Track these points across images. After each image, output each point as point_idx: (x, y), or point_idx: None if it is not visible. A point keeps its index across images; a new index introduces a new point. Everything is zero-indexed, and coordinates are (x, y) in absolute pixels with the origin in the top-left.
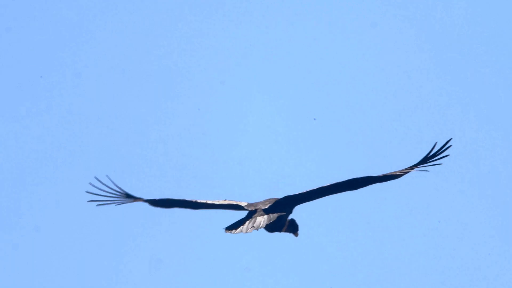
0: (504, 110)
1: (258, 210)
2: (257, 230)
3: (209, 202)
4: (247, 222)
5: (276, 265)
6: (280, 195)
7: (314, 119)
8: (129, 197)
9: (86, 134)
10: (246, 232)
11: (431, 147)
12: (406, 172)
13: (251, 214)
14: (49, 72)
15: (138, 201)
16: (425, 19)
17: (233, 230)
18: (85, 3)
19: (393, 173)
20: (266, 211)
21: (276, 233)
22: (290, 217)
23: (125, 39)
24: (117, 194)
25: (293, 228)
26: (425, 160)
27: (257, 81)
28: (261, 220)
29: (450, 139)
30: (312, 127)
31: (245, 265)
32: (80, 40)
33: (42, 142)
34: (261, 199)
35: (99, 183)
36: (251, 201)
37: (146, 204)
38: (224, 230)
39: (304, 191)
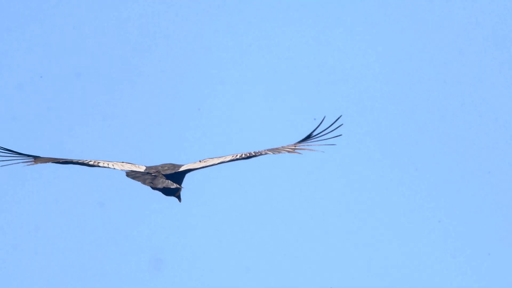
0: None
1: (159, 174)
2: (153, 188)
3: (106, 164)
4: (149, 178)
5: (277, 265)
6: (179, 160)
7: (314, 119)
8: (26, 156)
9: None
10: (143, 184)
11: (317, 125)
12: (295, 147)
13: (152, 175)
14: (49, 72)
15: (37, 161)
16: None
17: (135, 178)
18: (85, 3)
19: (283, 148)
20: (166, 177)
21: (172, 197)
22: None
23: (125, 39)
24: (11, 155)
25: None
26: (310, 137)
27: (254, 81)
28: (161, 181)
29: (340, 117)
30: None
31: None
32: (80, 40)
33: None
34: (159, 164)
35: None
36: (148, 165)
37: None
38: (125, 174)
39: (206, 165)
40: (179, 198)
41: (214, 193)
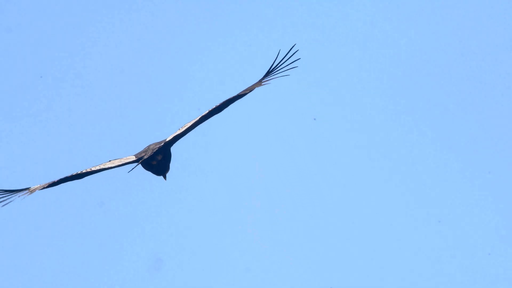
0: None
1: (149, 150)
2: (155, 158)
3: (97, 168)
4: (144, 155)
5: (278, 266)
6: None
7: (314, 119)
8: (18, 191)
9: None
10: (150, 154)
11: (275, 57)
12: (261, 82)
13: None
14: (49, 72)
15: (30, 191)
16: None
17: (137, 163)
18: (85, 3)
19: (252, 86)
20: (157, 152)
21: (161, 177)
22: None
23: (124, 39)
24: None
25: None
26: (271, 71)
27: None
28: (154, 148)
29: (294, 45)
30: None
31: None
32: (81, 40)
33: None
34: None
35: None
36: (133, 154)
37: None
38: (128, 171)
39: (189, 126)
40: (165, 176)
41: (212, 190)
